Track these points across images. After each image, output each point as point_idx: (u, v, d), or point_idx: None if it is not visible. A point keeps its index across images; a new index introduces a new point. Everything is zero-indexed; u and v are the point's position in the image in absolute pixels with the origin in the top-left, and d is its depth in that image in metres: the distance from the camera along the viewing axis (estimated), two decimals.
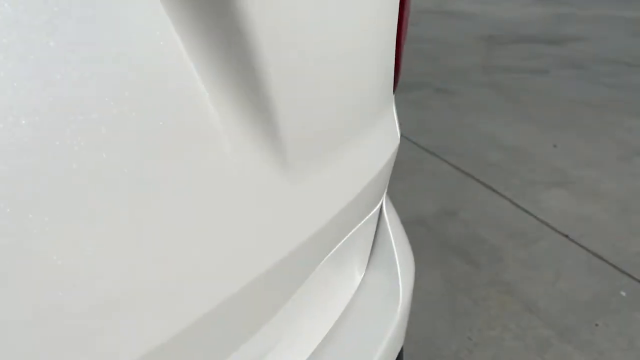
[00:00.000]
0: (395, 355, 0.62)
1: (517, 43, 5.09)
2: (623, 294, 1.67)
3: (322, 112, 0.42)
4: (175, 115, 0.31)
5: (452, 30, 5.58)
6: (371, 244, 0.68)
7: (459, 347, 1.43)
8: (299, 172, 0.41)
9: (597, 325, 1.53)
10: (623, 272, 1.76)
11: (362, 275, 0.65)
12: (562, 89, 3.67)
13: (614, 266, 1.79)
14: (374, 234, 0.68)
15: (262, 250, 0.37)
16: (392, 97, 0.63)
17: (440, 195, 2.22)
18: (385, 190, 0.68)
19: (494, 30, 5.67)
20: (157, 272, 0.30)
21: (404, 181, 2.32)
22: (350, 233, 0.59)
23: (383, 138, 0.60)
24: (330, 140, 0.46)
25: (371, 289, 0.61)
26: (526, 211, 2.11)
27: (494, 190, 2.26)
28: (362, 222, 0.62)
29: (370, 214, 0.64)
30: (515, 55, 4.61)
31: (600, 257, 1.83)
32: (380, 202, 0.66)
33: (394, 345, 0.60)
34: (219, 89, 0.32)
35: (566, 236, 1.95)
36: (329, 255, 0.56)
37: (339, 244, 0.57)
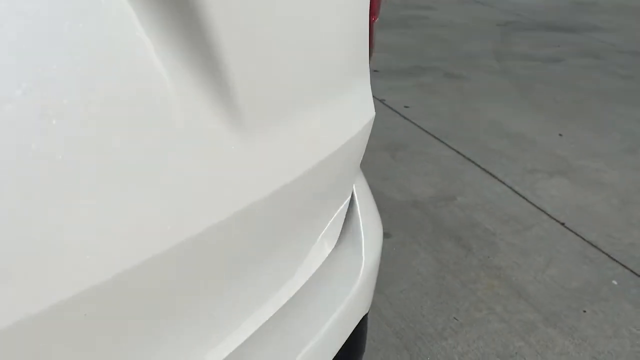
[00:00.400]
0: (357, 320, 0.65)
1: (533, 30, 5.00)
2: (615, 282, 1.68)
3: (280, 77, 0.44)
4: (125, 75, 0.33)
5: (469, 15, 5.49)
6: (343, 218, 0.70)
7: (444, 326, 1.46)
8: (255, 133, 0.43)
9: (584, 312, 1.55)
10: (617, 261, 1.77)
11: (331, 248, 0.67)
12: (575, 78, 3.62)
13: (608, 255, 1.80)
14: (346, 208, 0.70)
15: (208, 206, 0.40)
16: (367, 71, 0.65)
17: (440, 179, 2.23)
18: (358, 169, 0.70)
19: (512, 16, 5.57)
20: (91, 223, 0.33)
21: (404, 164, 2.33)
22: (324, 206, 0.61)
23: (353, 111, 0.61)
24: (289, 108, 0.48)
25: (335, 259, 0.64)
26: (524, 198, 2.11)
27: (494, 177, 2.27)
28: (338, 198, 0.64)
29: (344, 190, 0.66)
30: (531, 42, 4.53)
31: (595, 246, 1.84)
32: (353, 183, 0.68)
33: (354, 310, 0.63)
34: (168, 48, 0.34)
35: (563, 224, 1.95)
36: (300, 225, 0.58)
37: (310, 217, 0.59)
